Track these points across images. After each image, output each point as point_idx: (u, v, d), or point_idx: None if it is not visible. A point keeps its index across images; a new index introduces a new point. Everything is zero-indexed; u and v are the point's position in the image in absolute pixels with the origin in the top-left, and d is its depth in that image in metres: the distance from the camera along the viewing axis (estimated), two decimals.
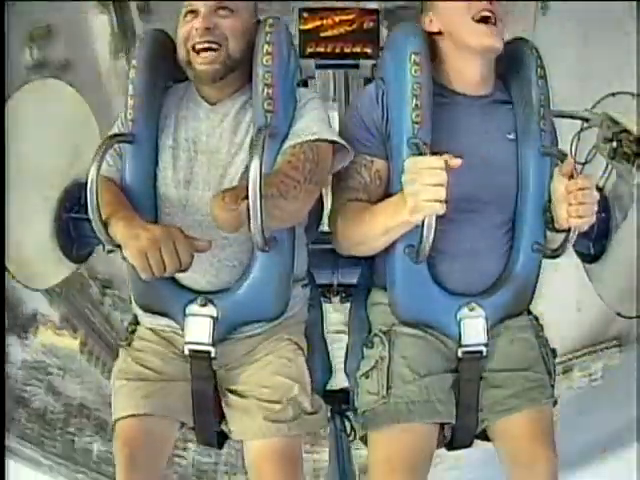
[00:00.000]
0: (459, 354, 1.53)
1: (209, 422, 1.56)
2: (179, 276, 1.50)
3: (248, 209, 1.21)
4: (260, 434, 1.49)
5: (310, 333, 1.65)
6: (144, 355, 1.56)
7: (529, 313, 1.67)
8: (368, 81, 2.19)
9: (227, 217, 1.25)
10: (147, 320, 1.59)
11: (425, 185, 1.24)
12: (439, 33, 1.52)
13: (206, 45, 1.44)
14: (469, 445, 1.61)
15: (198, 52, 1.46)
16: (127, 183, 1.50)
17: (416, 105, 1.44)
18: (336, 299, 2.20)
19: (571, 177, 1.37)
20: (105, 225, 1.37)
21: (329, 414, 1.82)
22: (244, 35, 1.49)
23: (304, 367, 1.57)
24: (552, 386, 1.57)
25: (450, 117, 1.51)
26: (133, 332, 1.62)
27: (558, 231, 1.48)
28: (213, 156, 1.50)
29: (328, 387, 1.81)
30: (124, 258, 1.40)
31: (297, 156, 1.40)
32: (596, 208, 1.37)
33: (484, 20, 1.46)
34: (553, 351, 1.65)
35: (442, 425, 1.55)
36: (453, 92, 1.54)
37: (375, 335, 1.58)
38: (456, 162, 1.25)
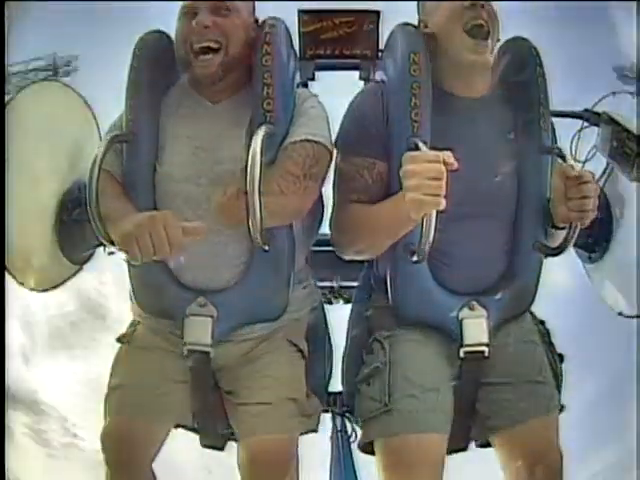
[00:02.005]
0: (461, 354, 1.52)
1: (210, 423, 1.56)
2: (180, 273, 1.50)
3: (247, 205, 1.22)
4: (256, 431, 1.49)
5: (312, 335, 1.65)
6: (144, 354, 1.56)
7: (534, 317, 1.65)
8: (367, 82, 2.20)
9: (228, 212, 1.29)
10: (147, 320, 1.60)
11: (424, 179, 1.22)
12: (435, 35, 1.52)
13: (205, 44, 1.44)
14: (465, 449, 1.60)
15: (197, 54, 1.45)
16: (127, 180, 1.51)
17: (415, 104, 1.44)
18: (338, 301, 2.20)
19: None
20: (105, 226, 1.37)
21: (330, 415, 1.82)
22: (243, 35, 1.48)
23: (302, 369, 1.57)
24: (559, 392, 1.55)
25: (450, 116, 1.50)
26: (134, 331, 1.62)
27: (558, 229, 1.48)
28: (213, 154, 1.50)
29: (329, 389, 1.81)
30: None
31: (297, 152, 1.41)
32: (597, 202, 1.37)
33: (476, 30, 1.44)
34: (560, 356, 1.63)
35: None
36: (452, 92, 1.54)
37: (376, 340, 1.57)
38: (452, 162, 1.24)
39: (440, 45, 1.49)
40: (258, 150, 1.25)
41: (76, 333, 4.24)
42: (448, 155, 1.23)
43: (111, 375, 1.58)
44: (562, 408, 1.58)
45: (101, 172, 1.36)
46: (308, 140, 1.43)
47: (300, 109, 1.49)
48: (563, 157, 1.43)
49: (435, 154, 1.24)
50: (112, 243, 1.35)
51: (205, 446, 1.64)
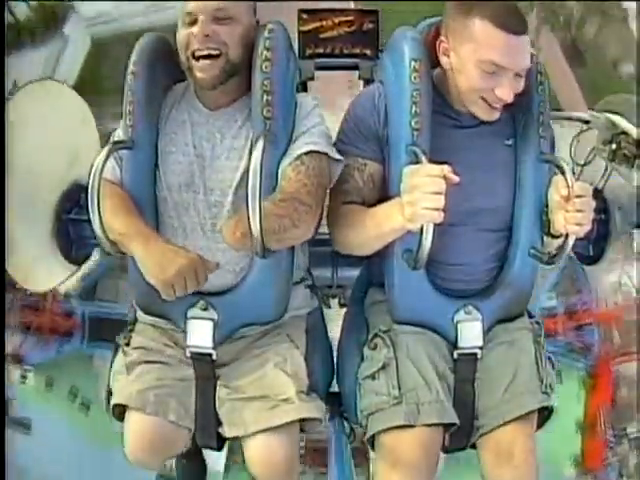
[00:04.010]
0: (455, 356, 1.54)
1: (211, 423, 1.57)
2: None
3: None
4: (254, 427, 1.48)
5: (311, 334, 1.65)
6: (145, 353, 1.56)
7: (531, 316, 1.66)
8: (367, 82, 2.20)
9: (240, 245, 1.36)
10: (148, 318, 1.60)
11: (424, 193, 1.25)
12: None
13: (205, 52, 1.43)
14: (464, 447, 1.60)
15: (197, 59, 1.44)
16: (127, 187, 1.50)
17: (415, 112, 1.44)
18: (334, 302, 2.20)
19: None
20: (106, 233, 1.37)
21: (328, 415, 1.82)
22: (244, 40, 1.47)
23: (300, 363, 1.56)
24: (545, 393, 1.53)
25: (448, 124, 1.51)
26: (132, 331, 1.62)
27: (554, 236, 1.49)
28: (213, 161, 1.50)
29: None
30: (133, 262, 1.42)
31: (311, 180, 1.42)
32: (592, 216, 1.37)
33: (494, 104, 1.44)
34: (549, 359, 1.61)
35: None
36: (451, 103, 1.53)
37: (376, 336, 1.57)
38: (453, 178, 1.26)
39: (454, 81, 1.47)
40: (258, 166, 1.26)
41: None
42: (449, 170, 1.26)
43: (114, 378, 1.57)
44: (549, 412, 1.56)
45: (103, 181, 1.36)
46: (319, 164, 1.45)
47: (302, 121, 1.48)
48: (560, 167, 1.42)
49: (437, 168, 1.26)
50: (114, 250, 1.40)
51: (202, 446, 1.64)
